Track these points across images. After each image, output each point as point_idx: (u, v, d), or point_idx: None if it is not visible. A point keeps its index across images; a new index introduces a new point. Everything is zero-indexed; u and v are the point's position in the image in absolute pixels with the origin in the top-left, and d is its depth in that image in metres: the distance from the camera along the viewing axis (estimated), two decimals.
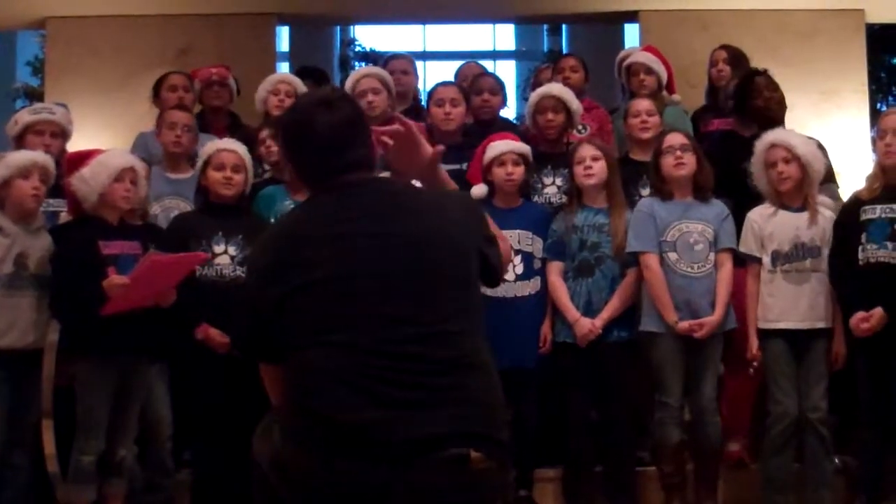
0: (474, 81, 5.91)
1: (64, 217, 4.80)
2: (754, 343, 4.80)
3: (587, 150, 4.92)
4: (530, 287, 4.93)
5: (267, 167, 5.43)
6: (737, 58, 6.04)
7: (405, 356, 2.35)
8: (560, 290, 4.88)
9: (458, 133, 5.55)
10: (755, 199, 5.00)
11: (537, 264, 4.95)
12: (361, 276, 2.40)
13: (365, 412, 2.30)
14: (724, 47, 6.16)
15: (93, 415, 4.42)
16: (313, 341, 2.38)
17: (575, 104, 5.43)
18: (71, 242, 4.47)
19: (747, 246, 4.85)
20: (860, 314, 4.50)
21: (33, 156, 4.61)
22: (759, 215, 4.86)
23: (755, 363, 4.81)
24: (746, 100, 5.42)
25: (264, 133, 5.39)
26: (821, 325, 4.71)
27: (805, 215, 4.77)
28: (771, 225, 4.81)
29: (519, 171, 4.98)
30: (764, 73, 5.48)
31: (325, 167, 2.53)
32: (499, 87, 5.90)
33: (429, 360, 2.36)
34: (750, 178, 5.07)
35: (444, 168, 5.30)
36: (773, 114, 5.34)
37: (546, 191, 5.29)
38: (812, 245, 4.74)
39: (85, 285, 4.29)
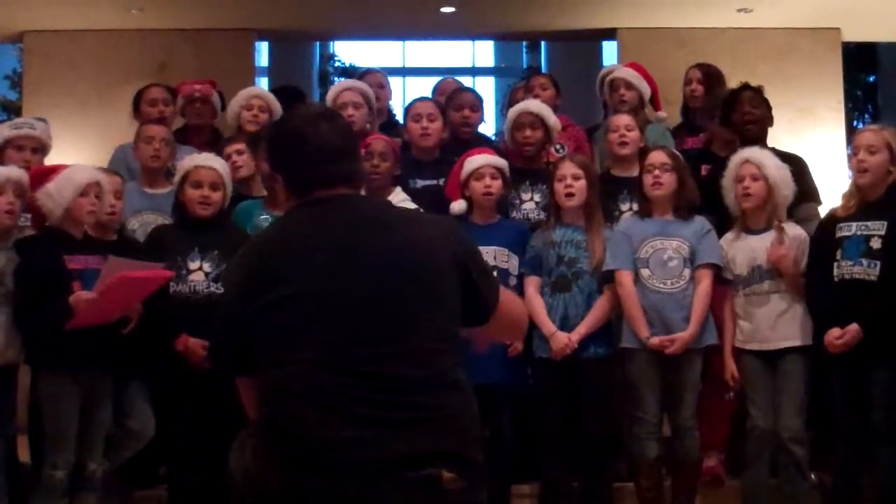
0: (453, 97, 5.90)
1: (28, 231, 4.74)
2: (731, 364, 4.82)
3: (569, 169, 4.92)
4: None
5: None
6: (711, 77, 6.06)
7: (377, 375, 2.33)
8: (537, 304, 4.88)
9: (435, 149, 5.55)
10: (729, 215, 5.03)
11: (513, 281, 4.94)
12: (334, 294, 2.38)
13: (335, 431, 2.28)
14: (698, 66, 6.18)
15: (61, 429, 4.40)
16: (284, 359, 2.36)
17: (552, 120, 5.44)
18: (36, 256, 4.45)
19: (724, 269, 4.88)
20: (834, 331, 4.52)
21: (6, 171, 4.57)
22: (725, 241, 4.91)
23: (732, 384, 4.83)
24: (729, 112, 5.45)
25: (231, 147, 5.35)
26: (786, 344, 4.73)
27: (764, 237, 4.79)
28: (733, 249, 4.86)
29: (497, 185, 4.99)
30: (753, 89, 5.48)
31: (318, 176, 2.52)
32: (478, 103, 5.91)
33: (401, 379, 2.34)
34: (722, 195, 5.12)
35: (421, 183, 5.38)
36: (749, 130, 5.36)
37: (524, 206, 5.30)
38: (769, 267, 4.77)
39: (50, 299, 4.28)
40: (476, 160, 5.01)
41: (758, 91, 5.46)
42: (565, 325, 4.83)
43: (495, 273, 4.85)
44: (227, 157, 5.23)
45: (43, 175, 4.55)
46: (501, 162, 5.06)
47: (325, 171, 2.52)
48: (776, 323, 4.75)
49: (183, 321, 4.54)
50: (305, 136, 2.54)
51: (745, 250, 4.83)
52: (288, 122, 2.66)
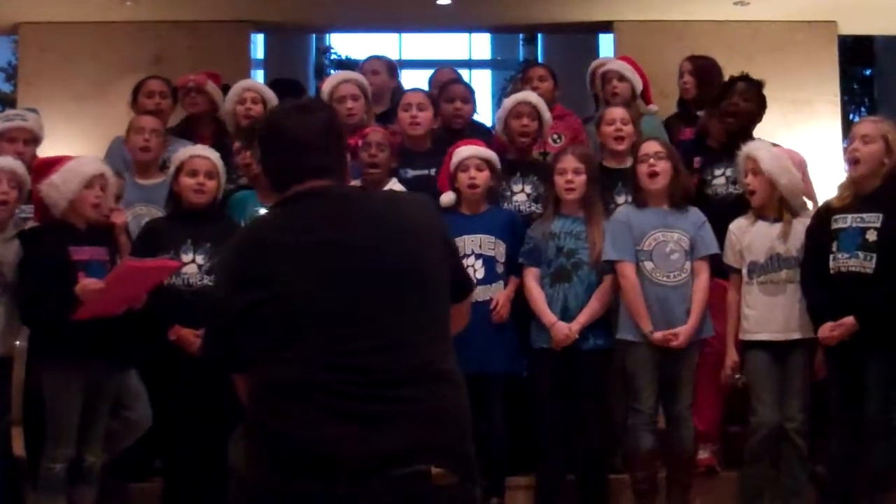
0: (445, 88, 5.90)
1: (30, 223, 4.74)
2: (732, 353, 4.82)
3: (570, 163, 4.91)
4: (492, 291, 4.91)
5: (241, 174, 5.38)
6: (703, 69, 6.03)
7: (363, 369, 2.30)
8: (536, 295, 4.88)
9: (426, 138, 5.56)
10: (711, 206, 5.09)
11: (500, 268, 4.94)
12: (319, 289, 2.35)
13: (322, 428, 2.26)
14: (690, 59, 6.17)
15: (62, 422, 4.40)
16: (270, 356, 2.34)
17: (547, 115, 5.45)
18: (41, 248, 4.44)
19: (727, 258, 4.88)
20: (829, 323, 4.52)
21: (0, 162, 4.58)
22: (737, 227, 4.89)
23: (736, 375, 4.83)
24: (721, 100, 5.47)
25: (239, 143, 5.36)
26: (798, 335, 4.73)
27: (780, 226, 4.80)
28: (748, 236, 4.84)
29: (482, 177, 4.98)
30: (749, 80, 5.47)
31: (293, 169, 2.51)
32: (469, 95, 5.88)
33: (388, 372, 2.31)
34: (704, 187, 5.28)
35: (412, 173, 5.39)
36: (735, 121, 5.39)
37: (515, 198, 5.29)
38: (788, 256, 4.76)
39: (56, 290, 4.27)
40: (462, 152, 5.02)
41: (754, 84, 5.46)
42: (566, 315, 4.83)
43: (481, 260, 4.89)
44: (238, 152, 5.23)
45: (46, 167, 4.55)
46: (489, 153, 5.05)
47: (297, 164, 2.51)
48: (791, 314, 4.74)
49: (176, 313, 4.54)
50: (280, 130, 2.55)
51: (763, 238, 4.81)
52: (267, 117, 2.72)
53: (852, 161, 4.61)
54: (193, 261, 4.64)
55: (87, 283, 4.23)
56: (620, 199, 5.22)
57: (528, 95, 5.51)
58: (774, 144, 5.12)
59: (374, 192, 2.75)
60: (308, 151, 2.51)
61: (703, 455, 5.15)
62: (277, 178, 2.57)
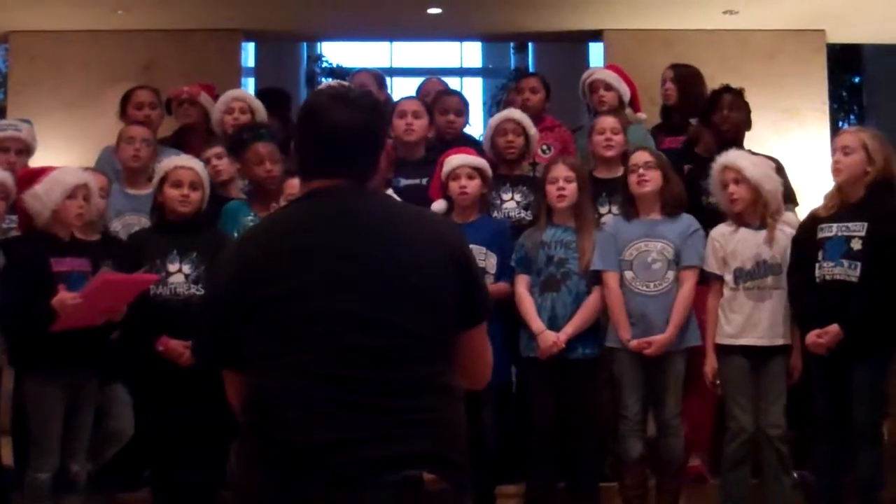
0: (439, 99, 5.93)
1: (14, 233, 4.74)
2: (712, 359, 4.83)
3: (561, 171, 4.93)
4: None
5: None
6: (685, 77, 6.06)
7: (359, 380, 2.29)
8: (526, 302, 4.90)
9: (420, 146, 5.59)
10: (708, 215, 5.09)
11: (490, 280, 4.93)
12: (320, 298, 2.33)
13: (316, 433, 2.25)
14: (672, 67, 6.19)
15: (45, 431, 4.39)
16: (267, 362, 2.34)
17: (533, 130, 5.49)
18: (22, 258, 4.44)
19: (708, 264, 4.89)
20: (816, 331, 4.54)
21: None
22: (720, 234, 4.90)
23: (715, 380, 4.84)
24: (709, 113, 5.52)
25: (210, 152, 5.36)
26: (780, 341, 4.75)
27: (765, 233, 4.81)
28: (733, 242, 4.85)
29: (473, 185, 5.00)
30: (733, 91, 5.56)
31: (317, 160, 2.46)
32: (464, 108, 5.93)
33: (385, 383, 2.30)
34: (702, 195, 5.29)
35: (404, 182, 5.38)
36: (727, 132, 5.46)
37: (505, 206, 5.31)
38: (773, 263, 4.78)
39: (34, 302, 4.27)
40: (453, 160, 5.03)
41: (738, 94, 5.55)
42: (553, 324, 4.84)
43: None
44: (207, 162, 5.24)
45: (30, 177, 4.55)
46: (480, 161, 5.07)
47: (319, 156, 2.46)
48: (775, 319, 4.75)
49: (164, 323, 4.54)
50: (320, 116, 2.46)
51: (749, 244, 4.81)
52: (309, 100, 2.60)
53: (835, 171, 4.65)
54: (180, 270, 4.63)
55: (65, 297, 4.22)
56: (603, 210, 5.25)
57: (512, 112, 5.55)
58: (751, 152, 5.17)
59: (387, 200, 2.64)
60: (332, 146, 2.45)
61: (693, 463, 5.16)
62: (305, 166, 2.52)
